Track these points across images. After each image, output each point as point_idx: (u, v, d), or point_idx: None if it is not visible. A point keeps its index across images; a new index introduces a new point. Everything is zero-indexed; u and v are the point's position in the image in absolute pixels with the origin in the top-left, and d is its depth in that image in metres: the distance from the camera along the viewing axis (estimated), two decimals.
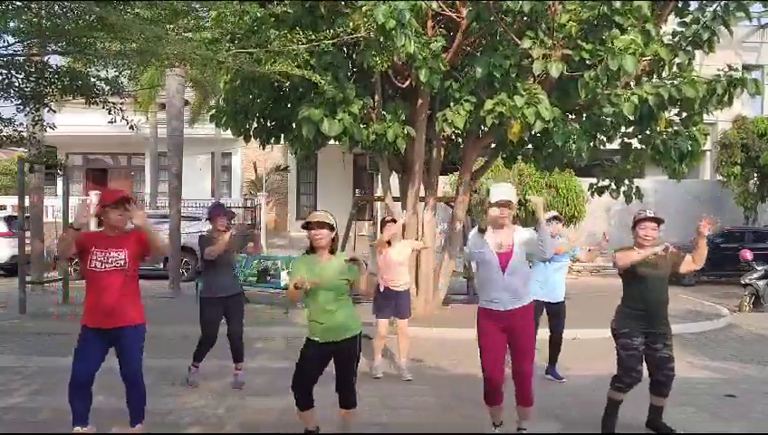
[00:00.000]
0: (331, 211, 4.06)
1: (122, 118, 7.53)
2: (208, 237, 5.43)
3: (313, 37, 6.41)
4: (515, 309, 4.01)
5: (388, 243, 5.91)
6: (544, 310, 5.89)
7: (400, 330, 5.99)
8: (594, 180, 9.50)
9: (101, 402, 4.59)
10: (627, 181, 9.08)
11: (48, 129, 8.47)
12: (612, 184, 9.10)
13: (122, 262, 3.83)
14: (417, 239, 8.78)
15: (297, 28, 6.66)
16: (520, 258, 4.01)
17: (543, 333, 6.15)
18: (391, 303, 5.92)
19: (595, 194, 9.65)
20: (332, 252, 3.90)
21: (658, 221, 4.32)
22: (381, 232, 6.00)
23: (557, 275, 5.90)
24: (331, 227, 3.84)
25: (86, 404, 3.87)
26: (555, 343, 6.01)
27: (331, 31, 6.52)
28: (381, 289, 5.89)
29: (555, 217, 6.00)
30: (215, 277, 5.40)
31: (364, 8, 6.61)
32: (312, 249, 3.91)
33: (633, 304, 4.34)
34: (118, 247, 3.85)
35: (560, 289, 5.93)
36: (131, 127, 7.85)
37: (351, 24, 6.65)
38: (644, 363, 4.32)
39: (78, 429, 3.84)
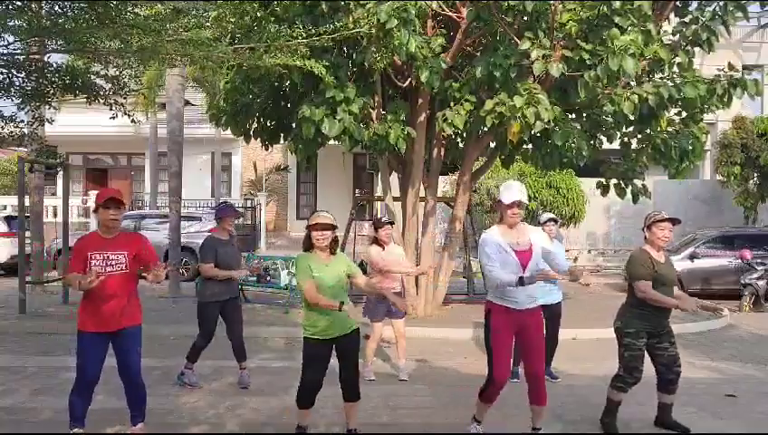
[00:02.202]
0: (331, 211, 4.12)
1: (124, 113, 7.53)
2: (210, 245, 5.44)
3: (313, 32, 6.41)
4: (531, 309, 4.02)
5: (382, 246, 5.88)
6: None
7: (397, 330, 5.97)
8: (598, 180, 9.44)
9: (102, 402, 4.60)
10: (635, 180, 9.03)
11: (48, 129, 8.49)
12: (621, 183, 9.05)
13: (123, 265, 3.83)
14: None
15: (297, 23, 6.67)
16: (538, 259, 4.04)
17: None
18: (383, 305, 5.87)
19: (595, 194, 9.62)
20: (333, 252, 3.98)
21: (675, 222, 4.33)
22: (376, 232, 5.94)
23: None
24: (334, 228, 3.95)
25: (87, 405, 3.90)
26: (551, 344, 6.01)
27: (332, 26, 6.53)
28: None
29: (552, 220, 5.94)
30: (210, 283, 5.43)
31: (368, 6, 6.61)
32: (310, 247, 3.96)
33: (642, 304, 4.29)
34: (117, 249, 3.83)
35: (554, 290, 5.92)
36: (133, 121, 7.84)
37: (351, 19, 6.65)
38: (644, 363, 4.35)
39: (77, 430, 3.85)
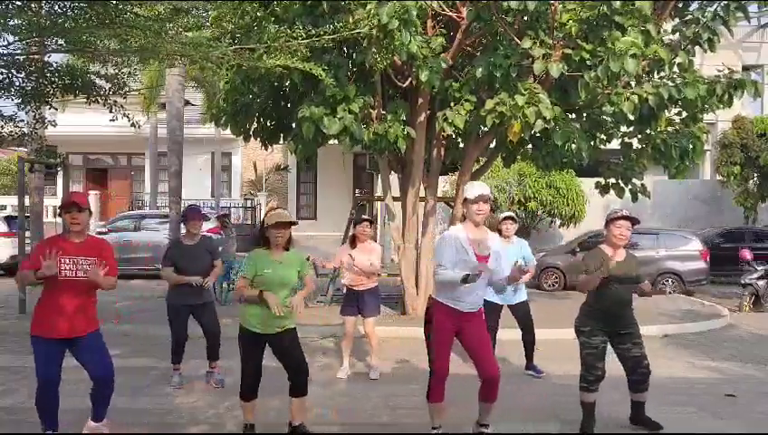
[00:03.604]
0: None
1: (124, 115, 7.54)
2: (170, 249, 5.52)
3: (313, 32, 6.41)
4: (472, 312, 4.01)
5: (354, 244, 5.91)
6: (509, 312, 6.07)
7: (366, 330, 5.99)
8: (597, 180, 9.44)
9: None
10: (634, 179, 9.03)
11: (48, 128, 8.49)
12: (620, 182, 9.05)
13: (91, 269, 3.77)
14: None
15: (297, 23, 6.67)
16: (492, 268, 3.96)
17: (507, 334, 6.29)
18: (354, 302, 5.92)
19: (595, 194, 9.61)
20: (287, 248, 4.03)
21: (633, 221, 4.32)
22: (354, 228, 5.99)
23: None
24: (292, 225, 3.99)
25: (56, 406, 3.86)
26: (529, 341, 6.11)
27: (332, 26, 6.53)
28: (344, 290, 5.92)
29: (510, 218, 5.97)
30: (179, 286, 5.41)
31: (368, 6, 6.61)
32: (265, 244, 4.00)
33: (594, 304, 4.39)
34: (87, 254, 3.79)
35: (519, 291, 6.04)
36: (133, 124, 7.85)
37: (351, 19, 6.65)
38: (606, 361, 4.36)
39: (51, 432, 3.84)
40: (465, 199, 3.97)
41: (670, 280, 12.38)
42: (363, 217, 6.21)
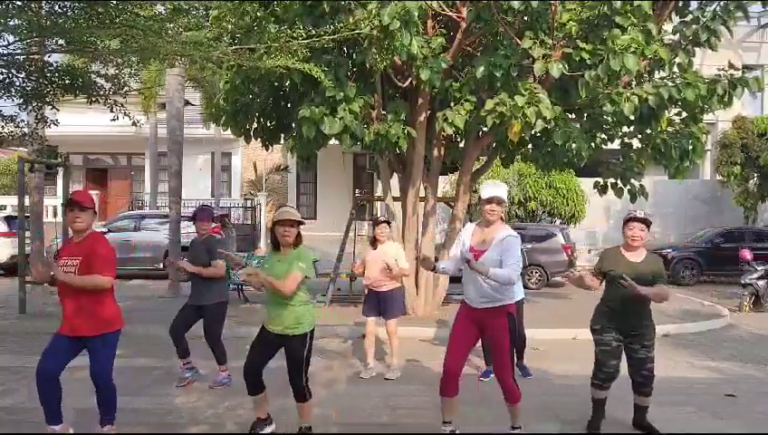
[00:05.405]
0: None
1: (125, 114, 7.53)
2: (191, 243, 5.66)
3: (313, 33, 6.42)
4: (486, 309, 3.98)
5: (375, 245, 5.96)
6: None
7: (387, 330, 6.03)
8: (596, 180, 9.44)
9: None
10: (632, 180, 9.03)
11: (48, 128, 8.49)
12: (619, 182, 9.04)
13: (72, 272, 3.75)
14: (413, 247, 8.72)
15: (297, 24, 6.67)
16: (491, 258, 3.88)
17: None
18: (375, 303, 5.96)
19: (595, 194, 9.60)
20: (296, 246, 4.04)
21: (647, 222, 4.30)
22: (373, 230, 6.04)
23: None
24: (300, 224, 4.00)
25: (55, 399, 3.81)
26: (519, 340, 6.03)
27: (332, 27, 6.54)
28: (366, 290, 5.95)
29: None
30: (193, 285, 5.58)
31: (370, 7, 6.61)
32: (275, 244, 4.05)
33: (606, 301, 4.43)
34: (75, 254, 3.80)
35: (515, 289, 5.98)
36: (134, 123, 7.85)
37: (352, 19, 6.65)
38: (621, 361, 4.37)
39: (53, 428, 3.80)
40: (480, 198, 4.04)
41: (536, 272, 13.11)
42: (380, 218, 6.24)
